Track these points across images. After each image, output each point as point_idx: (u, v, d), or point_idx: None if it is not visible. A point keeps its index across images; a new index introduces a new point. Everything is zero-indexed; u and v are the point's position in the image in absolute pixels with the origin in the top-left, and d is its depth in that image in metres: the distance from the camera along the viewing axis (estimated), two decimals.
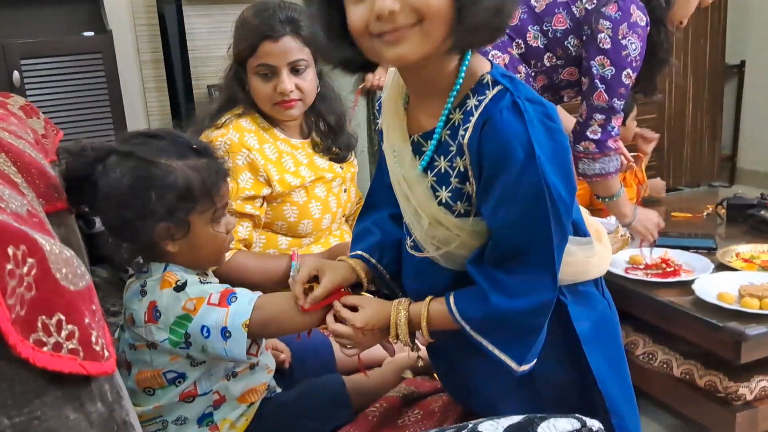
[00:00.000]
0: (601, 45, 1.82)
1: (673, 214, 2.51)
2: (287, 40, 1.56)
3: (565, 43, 1.90)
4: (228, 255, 1.45)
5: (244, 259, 1.54)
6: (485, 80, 0.97)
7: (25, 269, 0.58)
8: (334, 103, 1.73)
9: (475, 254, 1.02)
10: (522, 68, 1.94)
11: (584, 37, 1.87)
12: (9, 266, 0.56)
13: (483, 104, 0.95)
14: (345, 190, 1.74)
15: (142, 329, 1.13)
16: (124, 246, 1.20)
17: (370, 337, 1.10)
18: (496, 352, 1.00)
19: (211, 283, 1.18)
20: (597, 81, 1.84)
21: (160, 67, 3.29)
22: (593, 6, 1.85)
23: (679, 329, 1.80)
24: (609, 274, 1.79)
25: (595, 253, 1.10)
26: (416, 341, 1.12)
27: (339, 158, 1.73)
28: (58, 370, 0.60)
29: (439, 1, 0.89)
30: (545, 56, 1.94)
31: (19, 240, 0.58)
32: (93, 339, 0.66)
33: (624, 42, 1.80)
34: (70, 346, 0.62)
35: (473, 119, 0.95)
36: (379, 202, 1.24)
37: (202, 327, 1.10)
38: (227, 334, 1.09)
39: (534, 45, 1.93)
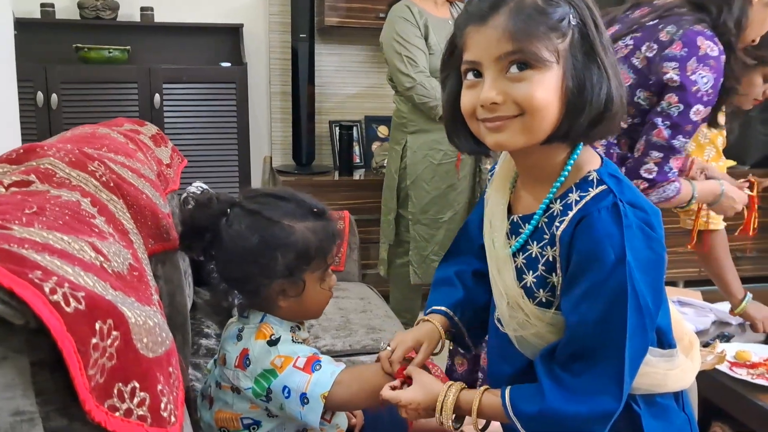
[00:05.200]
0: (669, 85, 1.69)
1: None
2: None
3: (635, 99, 1.78)
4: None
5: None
6: (591, 177, 0.97)
7: (109, 341, 0.64)
8: None
9: (548, 348, 1.00)
10: None
11: (651, 87, 1.75)
12: (94, 340, 0.62)
13: (584, 201, 0.95)
14: None
15: (230, 372, 1.19)
16: (231, 293, 1.26)
17: (414, 414, 1.09)
18: None
19: (302, 343, 1.22)
20: (658, 119, 1.72)
21: (288, 100, 3.45)
22: (654, 52, 1.72)
23: None
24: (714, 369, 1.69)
25: (678, 365, 1.05)
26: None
27: None
28: None
29: (543, 98, 0.90)
30: None
31: (107, 315, 0.64)
32: (162, 405, 0.71)
33: (694, 77, 1.66)
34: (140, 413, 0.67)
35: (571, 213, 0.95)
36: (464, 251, 1.26)
37: (284, 387, 1.13)
38: (305, 400, 1.12)
39: None
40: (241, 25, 3.35)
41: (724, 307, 2.15)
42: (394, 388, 1.10)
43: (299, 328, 1.27)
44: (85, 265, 0.73)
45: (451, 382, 1.09)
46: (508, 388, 1.02)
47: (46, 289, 0.59)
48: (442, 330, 1.18)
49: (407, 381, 1.11)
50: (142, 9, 3.22)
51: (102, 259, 0.79)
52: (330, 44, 3.56)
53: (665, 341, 1.05)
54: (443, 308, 1.21)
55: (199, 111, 3.17)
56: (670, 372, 1.03)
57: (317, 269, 1.21)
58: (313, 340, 1.90)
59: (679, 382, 1.06)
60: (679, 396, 1.08)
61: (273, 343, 1.17)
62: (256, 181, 3.50)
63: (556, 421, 0.95)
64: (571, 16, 0.91)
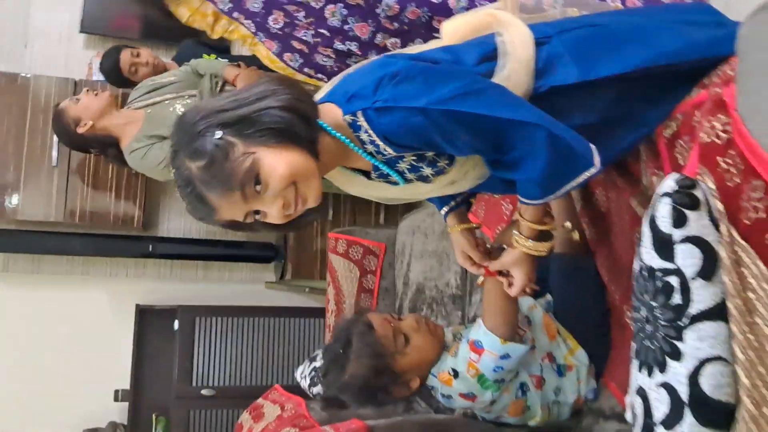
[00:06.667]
0: None
1: None
2: None
3: None
4: None
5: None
6: (348, 121, 1.08)
7: None
8: None
9: (487, 163, 1.15)
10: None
11: None
12: None
13: (370, 134, 1.07)
14: None
15: (478, 405, 1.51)
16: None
17: (535, 276, 1.30)
18: (577, 181, 1.10)
19: (458, 350, 1.49)
20: None
21: None
22: None
23: None
24: None
25: (511, 46, 1.16)
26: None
27: None
28: None
29: (288, 165, 1.03)
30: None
31: None
32: None
33: None
34: None
35: (378, 143, 1.08)
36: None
37: (492, 369, 1.42)
38: (505, 356, 1.41)
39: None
40: None
41: None
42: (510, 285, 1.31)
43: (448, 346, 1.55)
44: None
45: (513, 233, 1.26)
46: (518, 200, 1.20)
47: None
48: (461, 223, 1.39)
49: (505, 272, 1.32)
50: None
51: None
52: None
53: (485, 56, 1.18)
54: (444, 209, 1.41)
55: None
56: (516, 70, 1.14)
57: (392, 356, 1.49)
58: (440, 304, 2.14)
59: (526, 49, 1.16)
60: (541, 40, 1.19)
61: (455, 373, 1.47)
62: None
63: (548, 174, 1.08)
64: (214, 138, 1.02)
